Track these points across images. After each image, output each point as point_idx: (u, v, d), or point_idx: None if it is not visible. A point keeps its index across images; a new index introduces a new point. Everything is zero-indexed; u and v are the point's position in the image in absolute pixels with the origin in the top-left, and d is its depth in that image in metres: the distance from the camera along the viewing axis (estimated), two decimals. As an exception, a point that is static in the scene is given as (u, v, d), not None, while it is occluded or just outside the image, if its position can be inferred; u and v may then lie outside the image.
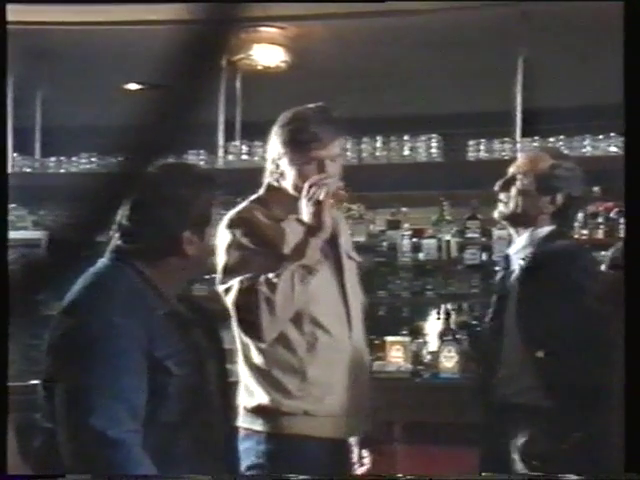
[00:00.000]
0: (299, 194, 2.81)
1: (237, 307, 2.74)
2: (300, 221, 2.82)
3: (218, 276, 2.82)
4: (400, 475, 4.19)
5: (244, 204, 2.91)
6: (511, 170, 3.12)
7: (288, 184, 2.85)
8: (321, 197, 2.78)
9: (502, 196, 3.10)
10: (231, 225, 2.82)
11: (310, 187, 2.77)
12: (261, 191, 2.93)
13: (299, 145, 2.81)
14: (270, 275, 2.70)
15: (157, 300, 2.29)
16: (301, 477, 2.47)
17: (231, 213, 2.87)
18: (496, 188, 3.11)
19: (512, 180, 3.09)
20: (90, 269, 2.27)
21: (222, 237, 2.79)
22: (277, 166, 2.86)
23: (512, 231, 3.15)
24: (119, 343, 2.18)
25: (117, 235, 2.30)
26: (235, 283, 2.73)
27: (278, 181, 2.88)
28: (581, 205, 3.16)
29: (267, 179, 2.92)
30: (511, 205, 3.07)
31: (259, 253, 2.77)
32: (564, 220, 3.13)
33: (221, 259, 2.80)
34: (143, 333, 2.20)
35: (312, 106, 2.89)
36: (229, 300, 2.75)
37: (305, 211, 2.79)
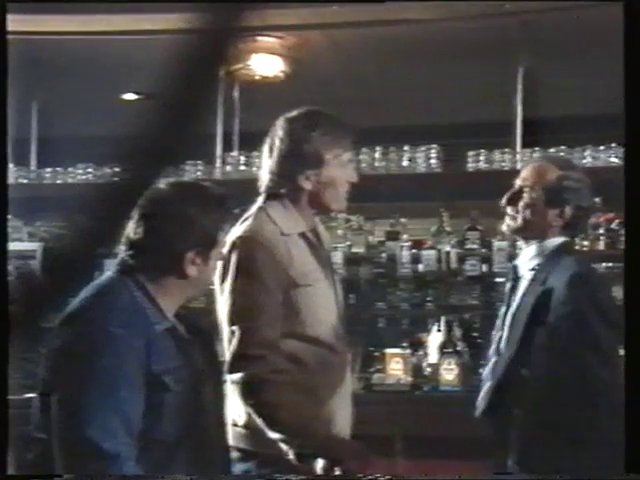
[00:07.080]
0: (331, 201, 2.76)
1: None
2: (304, 235, 2.76)
3: (226, 314, 2.66)
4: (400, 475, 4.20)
5: (250, 222, 2.71)
6: (518, 183, 3.04)
7: (323, 189, 2.73)
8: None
9: (509, 210, 3.02)
10: (239, 248, 2.64)
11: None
12: (262, 203, 2.76)
13: (342, 149, 2.76)
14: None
15: (156, 316, 2.27)
16: (301, 477, 2.47)
17: (237, 232, 2.67)
18: (503, 202, 3.03)
19: (519, 193, 3.01)
20: (94, 281, 2.26)
21: (228, 260, 2.62)
22: (304, 171, 2.69)
23: (522, 242, 3.09)
24: (117, 354, 2.16)
25: (123, 248, 2.28)
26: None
27: (297, 187, 2.72)
28: (590, 215, 3.11)
29: (271, 185, 2.74)
30: (519, 219, 3.00)
31: (267, 291, 2.62)
32: (573, 231, 3.08)
33: (227, 293, 2.64)
34: (142, 346, 2.19)
35: (316, 108, 2.80)
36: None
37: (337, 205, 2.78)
